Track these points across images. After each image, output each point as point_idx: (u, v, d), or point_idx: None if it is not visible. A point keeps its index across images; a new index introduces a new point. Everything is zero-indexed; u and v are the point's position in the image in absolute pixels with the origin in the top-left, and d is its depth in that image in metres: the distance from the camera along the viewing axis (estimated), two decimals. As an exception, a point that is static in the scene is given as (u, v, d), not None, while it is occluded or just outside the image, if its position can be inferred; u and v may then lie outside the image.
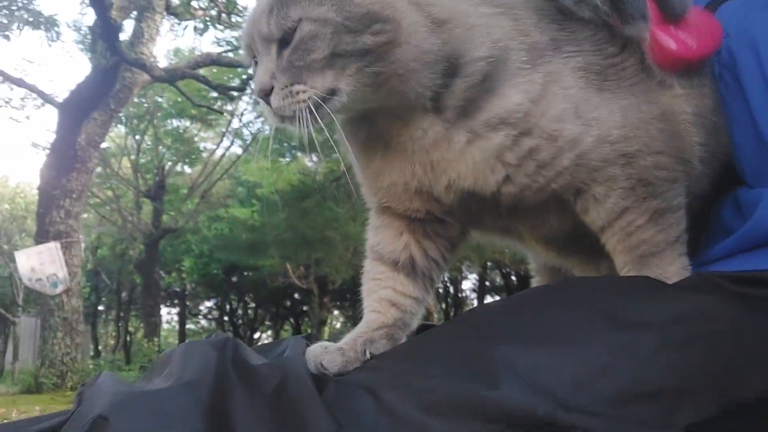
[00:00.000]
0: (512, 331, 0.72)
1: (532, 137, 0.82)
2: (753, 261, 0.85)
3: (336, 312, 25.74)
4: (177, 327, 24.74)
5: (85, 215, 16.01)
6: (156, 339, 15.38)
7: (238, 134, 17.46)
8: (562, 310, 0.73)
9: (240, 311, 25.93)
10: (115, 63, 9.56)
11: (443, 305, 20.03)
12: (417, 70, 0.80)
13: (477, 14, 0.84)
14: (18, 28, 9.53)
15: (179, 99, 14.65)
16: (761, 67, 0.95)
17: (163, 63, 13.43)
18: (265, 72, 0.80)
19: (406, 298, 0.91)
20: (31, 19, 9.52)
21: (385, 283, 0.92)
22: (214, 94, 13.99)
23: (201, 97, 14.06)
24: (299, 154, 14.12)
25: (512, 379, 0.64)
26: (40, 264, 9.69)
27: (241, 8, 10.97)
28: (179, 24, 12.39)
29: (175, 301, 24.29)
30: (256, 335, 27.38)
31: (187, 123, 17.32)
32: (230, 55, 12.14)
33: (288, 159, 14.52)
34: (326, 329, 23.23)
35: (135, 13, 10.58)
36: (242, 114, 16.71)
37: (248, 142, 16.90)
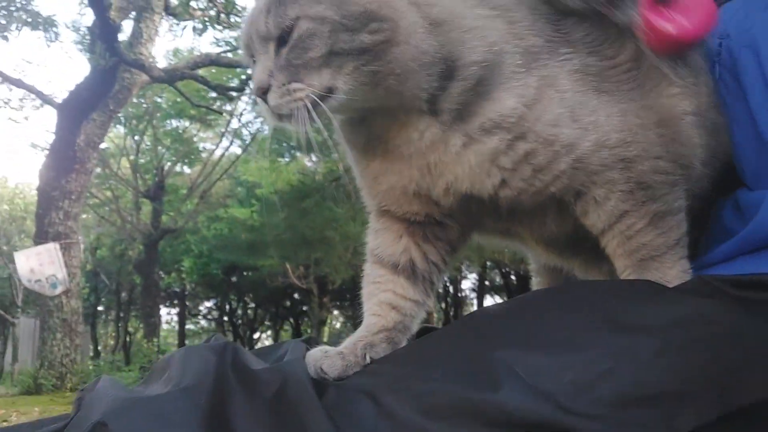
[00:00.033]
0: (513, 334, 0.72)
1: (528, 141, 0.82)
2: (753, 264, 0.85)
3: (336, 312, 25.75)
4: (177, 327, 24.74)
5: (84, 216, 16.00)
6: (156, 339, 15.37)
7: (237, 134, 17.47)
8: (563, 313, 0.73)
9: (240, 311, 25.93)
10: (114, 63, 9.56)
11: (443, 305, 20.04)
12: (414, 70, 0.80)
13: (473, 16, 0.84)
14: (16, 28, 9.54)
15: (178, 99, 14.65)
16: (761, 67, 0.95)
17: (162, 63, 13.43)
18: (262, 70, 0.80)
19: (407, 301, 0.91)
20: (29, 20, 9.52)
21: (385, 287, 0.92)
22: (213, 95, 13.98)
23: (200, 97, 14.05)
24: (298, 154, 14.12)
25: (513, 382, 0.64)
26: (40, 265, 9.68)
27: (239, 8, 10.98)
28: (178, 24, 12.42)
29: (175, 302, 24.28)
30: (256, 335, 27.39)
31: (186, 123, 17.32)
32: (229, 55, 12.14)
33: (287, 159, 14.52)
34: (326, 329, 23.24)
35: (134, 13, 10.58)
36: (241, 114, 16.71)
37: (247, 142, 16.90)
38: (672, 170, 0.87)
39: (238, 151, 17.45)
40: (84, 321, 13.17)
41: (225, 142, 17.76)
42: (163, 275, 19.63)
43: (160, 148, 17.28)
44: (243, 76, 12.69)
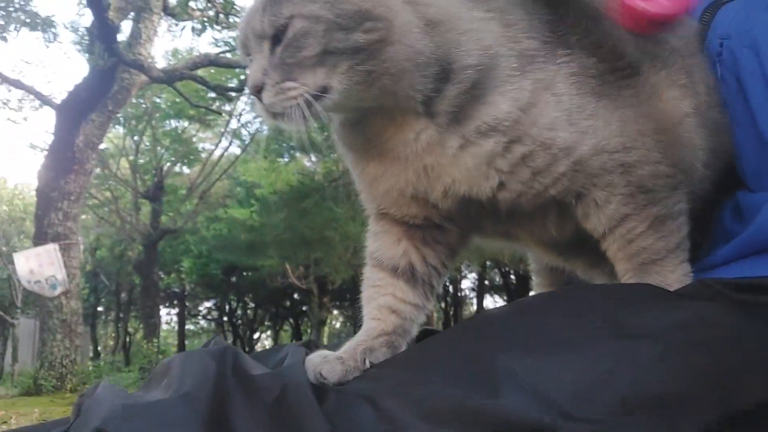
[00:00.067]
0: (513, 338, 0.72)
1: (524, 144, 0.81)
2: (753, 267, 0.85)
3: (335, 312, 25.76)
4: (176, 328, 24.75)
5: (84, 216, 16.00)
6: (155, 340, 15.37)
7: (236, 134, 17.48)
8: (564, 317, 0.73)
9: (239, 311, 25.94)
10: (112, 64, 9.56)
11: (442, 304, 20.05)
12: (409, 70, 0.80)
13: (469, 18, 0.83)
14: (15, 29, 9.53)
15: (177, 100, 14.65)
16: (762, 67, 0.95)
17: (161, 64, 13.45)
18: (257, 69, 0.80)
19: (406, 305, 0.91)
20: (28, 21, 9.51)
21: (385, 290, 0.92)
22: (212, 95, 13.98)
23: (199, 97, 14.06)
24: (298, 154, 14.12)
25: (514, 387, 0.64)
26: (39, 266, 9.68)
27: (238, 9, 10.96)
28: (177, 25, 12.41)
29: (175, 302, 24.29)
30: (256, 335, 27.41)
31: (186, 123, 17.33)
32: (228, 55, 12.14)
33: (286, 159, 14.53)
34: (326, 329, 23.25)
35: (132, 14, 10.57)
36: (240, 114, 16.71)
37: (247, 142, 16.90)
38: (672, 174, 0.87)
39: (238, 151, 17.47)
40: (84, 322, 13.17)
41: (224, 143, 17.79)
42: (162, 276, 19.64)
43: (159, 148, 17.28)
44: (242, 77, 12.69)
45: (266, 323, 27.30)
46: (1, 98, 12.64)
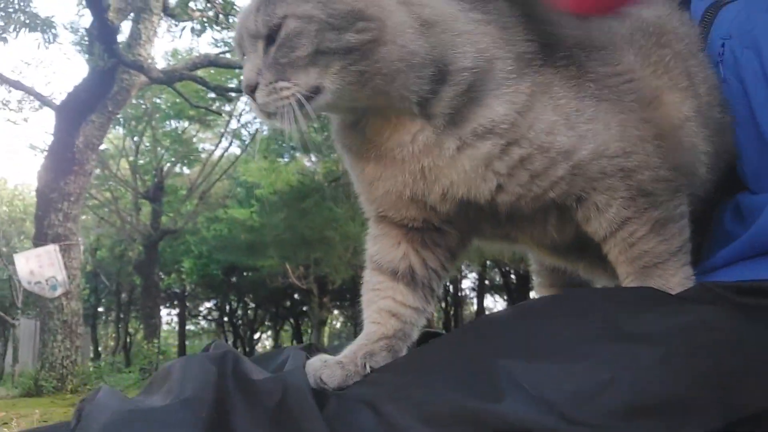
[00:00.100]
0: (515, 342, 0.72)
1: (521, 147, 0.81)
2: (754, 270, 0.85)
3: (336, 312, 25.76)
4: (177, 328, 24.75)
5: (84, 217, 16.00)
6: (156, 340, 15.38)
7: (236, 135, 17.47)
8: (565, 322, 0.73)
9: (240, 312, 25.95)
10: (112, 65, 9.55)
11: (443, 304, 20.04)
12: (402, 71, 0.79)
13: (466, 20, 0.83)
14: (15, 30, 9.51)
15: (177, 100, 14.65)
16: (763, 67, 0.95)
17: (160, 64, 13.44)
18: (251, 68, 0.80)
19: (407, 309, 0.90)
20: (27, 21, 9.49)
21: (385, 294, 0.91)
22: (212, 95, 13.98)
23: (199, 98, 14.06)
24: (298, 154, 14.12)
25: (515, 391, 0.64)
26: (39, 267, 9.68)
27: (238, 9, 10.95)
28: (176, 25, 12.39)
29: (175, 302, 24.29)
30: (256, 335, 27.41)
31: (186, 124, 17.33)
32: (228, 56, 12.13)
33: (286, 159, 14.52)
34: (326, 329, 23.25)
35: (132, 14, 10.56)
36: (240, 115, 16.70)
37: (247, 142, 16.89)
38: (673, 178, 0.86)
39: (238, 151, 17.47)
40: (84, 322, 13.16)
41: (224, 143, 17.79)
42: (163, 276, 19.64)
43: (159, 149, 17.29)
44: (242, 77, 12.66)
45: (266, 323, 27.31)
46: (0, 99, 12.62)
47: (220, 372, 0.69)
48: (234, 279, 21.22)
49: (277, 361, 0.93)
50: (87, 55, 10.13)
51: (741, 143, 0.99)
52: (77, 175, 10.40)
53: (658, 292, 0.79)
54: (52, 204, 10.19)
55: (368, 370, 0.80)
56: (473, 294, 22.65)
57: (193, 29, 11.68)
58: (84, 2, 9.99)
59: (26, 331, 16.16)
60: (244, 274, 20.10)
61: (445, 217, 0.90)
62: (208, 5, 11.06)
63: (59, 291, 9.87)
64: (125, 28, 10.66)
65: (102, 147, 12.69)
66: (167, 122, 17.20)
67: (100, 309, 25.10)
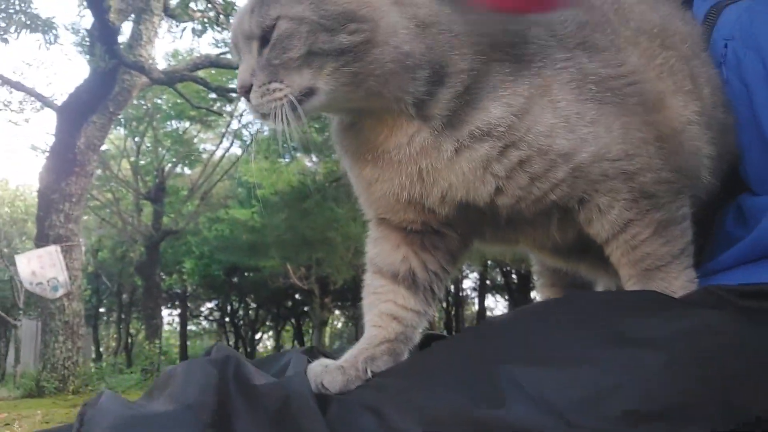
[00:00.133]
0: (517, 347, 0.71)
1: (520, 149, 0.80)
2: (757, 273, 0.85)
3: (337, 312, 25.77)
4: (178, 328, 24.75)
5: (85, 218, 16.01)
6: (157, 341, 15.39)
7: (237, 135, 17.47)
8: (568, 326, 0.73)
9: (241, 312, 25.95)
10: (113, 66, 9.55)
11: (444, 304, 20.03)
12: (396, 72, 0.79)
13: (463, 21, 0.82)
14: (16, 31, 9.52)
15: (178, 101, 14.66)
16: (766, 69, 0.95)
17: (161, 65, 13.44)
18: (245, 69, 0.81)
19: (408, 312, 0.90)
20: (28, 22, 9.50)
21: (386, 297, 0.91)
22: (213, 96, 13.98)
23: (200, 98, 14.06)
24: (299, 154, 14.12)
25: (518, 397, 0.63)
26: (41, 268, 9.69)
27: (238, 9, 10.95)
28: (177, 26, 12.39)
29: (176, 303, 24.31)
30: (257, 336, 27.41)
31: (187, 124, 17.33)
32: (228, 56, 12.12)
33: (287, 159, 14.51)
34: (327, 329, 23.25)
35: (133, 15, 10.56)
36: (241, 115, 16.68)
37: (248, 143, 16.89)
38: (675, 180, 0.86)
39: (239, 152, 17.47)
40: (86, 323, 13.18)
41: (225, 143, 17.79)
42: (164, 277, 19.67)
43: (160, 149, 17.29)
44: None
45: (268, 324, 27.31)
46: (2, 100, 12.63)
47: (222, 377, 0.69)
48: (235, 279, 21.23)
49: (279, 365, 0.93)
50: (88, 56, 10.13)
51: (743, 145, 0.99)
52: (78, 176, 10.40)
53: (662, 296, 0.79)
54: (53, 205, 10.20)
55: (369, 374, 0.80)
56: (474, 294, 22.66)
57: (193, 30, 11.68)
58: (85, 3, 9.99)
59: (28, 332, 16.18)
60: (246, 274, 20.11)
61: (444, 220, 0.89)
62: (209, 6, 11.06)
63: (61, 292, 9.88)
64: (126, 29, 10.68)
65: (103, 148, 12.69)
66: (168, 123, 17.21)
67: (102, 310, 25.12)
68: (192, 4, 11.29)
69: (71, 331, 10.16)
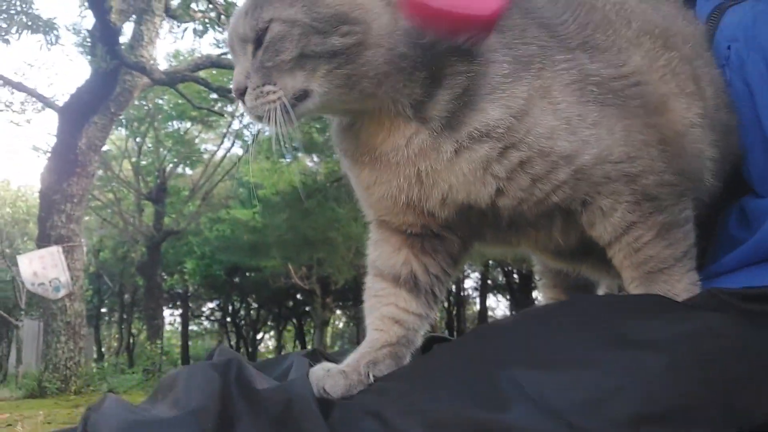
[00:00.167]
0: (520, 351, 0.71)
1: (520, 151, 0.80)
2: (760, 276, 0.85)
3: (338, 312, 25.77)
4: (180, 329, 24.77)
5: (87, 218, 16.03)
6: (159, 341, 15.41)
7: (238, 135, 17.47)
8: (570, 329, 0.72)
9: (242, 312, 25.97)
10: (115, 66, 9.55)
11: (446, 304, 20.03)
12: (390, 74, 0.79)
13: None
14: (17, 31, 9.52)
15: (179, 101, 14.67)
16: None
17: (162, 66, 13.48)
18: (240, 72, 0.81)
19: (409, 315, 0.90)
20: (30, 23, 9.50)
21: (387, 300, 0.91)
22: (214, 96, 13.98)
23: (201, 99, 14.07)
24: (300, 154, 14.12)
25: (522, 401, 0.63)
26: (43, 268, 9.70)
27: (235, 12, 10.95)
28: (178, 26, 12.40)
29: (178, 303, 24.33)
30: (259, 336, 27.42)
31: (188, 125, 17.35)
32: (230, 56, 12.12)
33: (289, 159, 14.51)
34: (329, 329, 23.25)
35: (134, 16, 10.57)
36: (242, 115, 16.65)
37: (249, 143, 16.88)
38: (678, 182, 0.86)
39: (240, 152, 17.48)
40: (87, 323, 13.20)
41: (226, 144, 17.80)
42: (165, 277, 19.69)
43: (161, 150, 17.31)
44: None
45: (269, 324, 27.33)
46: (3, 100, 12.63)
47: (225, 381, 0.69)
48: (237, 279, 21.25)
49: (281, 368, 0.93)
50: (89, 57, 10.14)
51: (746, 146, 0.99)
52: (80, 176, 10.41)
53: (664, 299, 0.79)
54: (55, 205, 10.21)
55: (371, 379, 0.80)
56: (476, 294, 22.67)
57: (195, 30, 11.69)
58: (86, 4, 10.00)
59: (30, 332, 16.19)
60: (247, 274, 20.13)
61: (444, 223, 0.89)
62: (210, 6, 11.07)
63: (62, 292, 9.89)
64: (127, 29, 10.68)
65: (105, 148, 12.71)
66: (169, 123, 17.23)
67: (103, 310, 25.15)
68: (193, 5, 11.30)
69: (73, 332, 10.17)
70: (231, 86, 0.82)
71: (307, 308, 22.53)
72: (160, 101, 16.24)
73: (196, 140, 18.22)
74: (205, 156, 18.31)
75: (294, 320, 25.39)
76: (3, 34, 9.64)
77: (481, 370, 0.69)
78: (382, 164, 0.85)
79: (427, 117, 0.81)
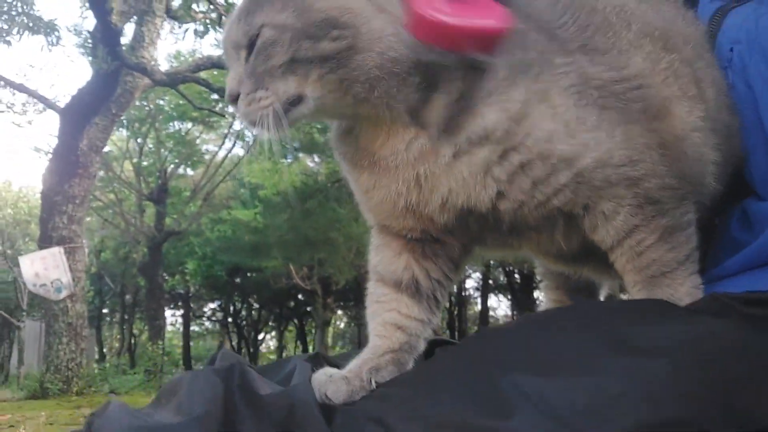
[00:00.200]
0: (523, 356, 0.71)
1: (520, 153, 0.80)
2: (763, 280, 0.85)
3: (340, 312, 25.79)
4: (181, 329, 24.80)
5: (88, 219, 16.05)
6: (160, 342, 15.42)
7: (240, 136, 17.47)
8: (573, 334, 0.72)
9: (244, 313, 25.99)
10: (116, 67, 9.56)
11: (447, 304, 20.03)
12: (382, 78, 0.78)
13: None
14: (18, 33, 9.54)
15: (180, 102, 14.70)
16: None
17: (163, 66, 13.47)
18: (233, 78, 0.81)
19: (412, 321, 0.89)
20: (31, 24, 9.51)
21: (389, 306, 0.90)
22: (215, 97, 13.98)
23: (202, 99, 14.09)
24: (301, 155, 14.13)
25: (523, 405, 0.63)
26: (44, 269, 9.71)
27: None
28: (179, 27, 12.41)
29: (179, 304, 24.37)
30: (260, 336, 27.44)
31: (189, 125, 17.38)
32: (230, 57, 12.13)
33: (290, 160, 14.52)
34: (330, 329, 23.25)
35: (135, 17, 10.58)
36: (242, 116, 16.68)
37: (250, 143, 16.90)
38: (680, 185, 0.85)
39: (241, 152, 17.50)
40: (89, 324, 13.21)
41: (228, 144, 17.82)
42: (167, 277, 19.72)
43: (162, 150, 17.33)
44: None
45: (271, 324, 27.35)
46: (5, 101, 12.64)
47: (228, 386, 0.69)
48: (238, 280, 21.27)
49: (284, 372, 0.93)
50: (90, 58, 10.16)
51: (749, 148, 0.99)
52: (81, 177, 10.42)
53: (666, 304, 0.78)
54: (56, 206, 10.22)
55: (374, 385, 0.79)
56: (477, 294, 22.66)
57: (196, 31, 11.70)
58: (87, 5, 10.01)
59: (31, 333, 16.23)
60: (248, 275, 20.15)
61: (444, 227, 0.88)
62: (211, 7, 11.07)
63: (64, 293, 9.90)
64: (128, 30, 10.70)
65: (106, 149, 12.72)
66: (171, 124, 17.26)
67: (105, 311, 25.19)
68: (194, 6, 11.31)
69: (75, 333, 10.19)
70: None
71: (308, 308, 22.54)
72: (161, 102, 16.27)
73: (197, 141, 18.25)
74: (207, 157, 18.35)
75: (295, 320, 25.41)
76: (4, 35, 9.65)
77: (483, 376, 0.69)
78: (381, 168, 0.85)
79: (425, 121, 0.81)
